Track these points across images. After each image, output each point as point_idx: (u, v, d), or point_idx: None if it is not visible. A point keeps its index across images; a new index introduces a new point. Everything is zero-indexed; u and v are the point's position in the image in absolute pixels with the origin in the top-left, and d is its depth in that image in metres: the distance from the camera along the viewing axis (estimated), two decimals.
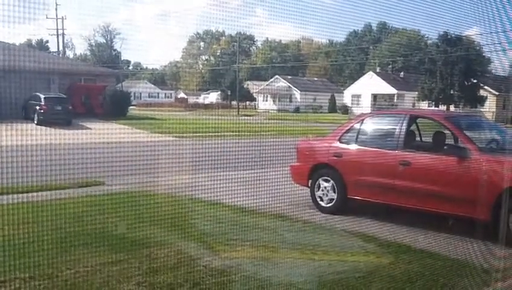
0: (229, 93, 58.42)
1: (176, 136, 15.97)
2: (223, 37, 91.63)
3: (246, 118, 33.22)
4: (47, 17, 43.44)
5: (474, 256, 6.31)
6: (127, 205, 7.95)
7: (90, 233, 6.50)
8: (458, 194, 7.14)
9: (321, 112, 49.82)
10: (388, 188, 7.91)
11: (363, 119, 9.30)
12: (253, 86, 64.27)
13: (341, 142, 8.91)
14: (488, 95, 41.98)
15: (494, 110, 39.49)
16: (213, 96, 72.11)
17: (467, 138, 7.59)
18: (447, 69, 40.59)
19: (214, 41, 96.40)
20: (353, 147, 8.76)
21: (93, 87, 33.23)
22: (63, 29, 49.82)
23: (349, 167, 8.60)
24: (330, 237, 7.24)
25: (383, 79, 54.25)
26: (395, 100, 51.40)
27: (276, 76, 65.17)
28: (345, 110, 51.35)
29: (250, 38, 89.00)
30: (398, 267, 5.79)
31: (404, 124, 8.22)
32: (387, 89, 52.19)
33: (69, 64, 41.03)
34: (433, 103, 42.38)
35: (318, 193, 8.91)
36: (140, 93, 68.15)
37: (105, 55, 73.94)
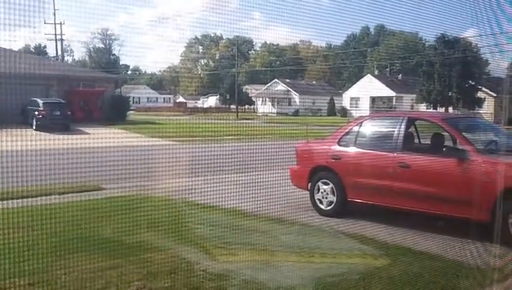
0: (228, 97, 58.47)
1: (175, 140, 15.96)
2: (222, 41, 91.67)
3: (245, 121, 33.25)
4: (45, 22, 43.48)
5: (473, 257, 6.32)
6: (127, 209, 7.94)
7: (89, 238, 6.49)
8: (457, 195, 7.14)
9: (320, 115, 49.89)
10: (387, 190, 7.91)
11: (361, 122, 9.31)
12: (252, 90, 64.34)
13: (340, 144, 8.91)
14: (486, 96, 42.03)
15: (492, 111, 39.56)
16: (212, 100, 72.16)
17: (465, 140, 7.59)
18: (444, 71, 40.66)
19: (213, 45, 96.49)
20: (352, 149, 8.77)
21: (92, 92, 33.23)
22: (61, 34, 49.99)
23: (348, 170, 8.60)
24: (330, 240, 7.23)
25: (382, 82, 54.32)
26: (394, 103, 51.45)
27: (275, 79, 65.24)
28: (344, 113, 51.40)
29: (249, 42, 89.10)
30: (398, 269, 5.79)
31: (402, 126, 8.23)
32: (386, 91, 52.25)
33: (68, 69, 41.06)
34: (432, 105, 42.41)
35: (317, 196, 8.90)
36: (139, 98, 68.19)
37: (104, 60, 73.94)
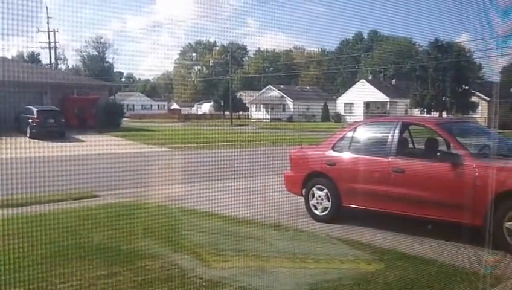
0: (222, 103, 58.41)
1: (169, 147, 15.94)
2: (216, 48, 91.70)
3: (238, 128, 33.25)
4: (39, 30, 43.38)
5: (468, 261, 6.33)
6: (122, 216, 7.92)
7: (84, 245, 6.47)
8: (451, 200, 7.17)
9: (314, 121, 49.90)
10: (382, 195, 7.93)
11: (356, 127, 9.34)
12: (246, 96, 64.32)
13: (334, 150, 8.93)
14: (480, 101, 42.19)
15: (486, 116, 39.71)
16: (206, 107, 72.05)
17: (460, 144, 7.63)
18: (438, 76, 40.80)
19: (207, 51, 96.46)
20: (346, 155, 8.79)
21: (86, 100, 33.14)
22: (55, 42, 49.73)
23: (343, 175, 8.61)
24: (325, 246, 7.24)
25: (375, 87, 54.40)
26: (388, 108, 51.54)
27: (269, 86, 65.24)
28: (338, 118, 51.43)
29: (243, 49, 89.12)
30: (393, 274, 5.79)
31: (396, 131, 8.26)
32: (380, 96, 52.33)
33: (62, 76, 40.98)
34: (425, 109, 42.53)
35: (312, 202, 8.91)
36: (133, 105, 68.08)
37: (98, 67, 73.80)
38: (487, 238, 6.45)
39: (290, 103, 60.72)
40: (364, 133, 9.18)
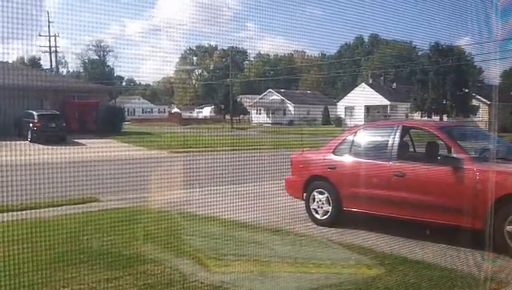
0: (223, 107, 58.45)
1: (170, 151, 15.96)
2: (216, 52, 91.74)
3: (239, 132, 33.25)
4: (40, 35, 43.40)
5: (470, 266, 6.32)
6: (123, 221, 7.92)
7: (85, 250, 6.47)
8: (452, 204, 7.15)
9: (315, 124, 49.89)
10: (383, 199, 7.92)
11: (356, 131, 9.33)
12: (246, 100, 64.31)
13: (335, 154, 8.92)
14: (481, 104, 42.18)
15: (487, 119, 39.68)
16: (207, 111, 72.14)
17: (460, 148, 7.62)
18: (438, 79, 40.79)
19: (207, 55, 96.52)
20: (347, 159, 8.78)
21: (87, 104, 33.14)
22: (55, 46, 49.68)
23: (344, 179, 8.60)
24: (326, 250, 7.23)
25: (376, 90, 54.35)
26: (388, 111, 51.51)
27: (269, 89, 65.25)
28: (339, 122, 51.38)
29: (243, 53, 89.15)
30: (395, 279, 5.78)
31: (397, 135, 8.25)
32: (380, 100, 52.29)
33: (62, 81, 40.99)
34: (426, 113, 42.51)
35: (313, 206, 8.90)
36: (134, 109, 68.10)
37: (98, 71, 73.92)
38: (488, 242, 6.44)
39: (290, 106, 60.72)
40: (365, 137, 9.17)
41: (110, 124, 30.51)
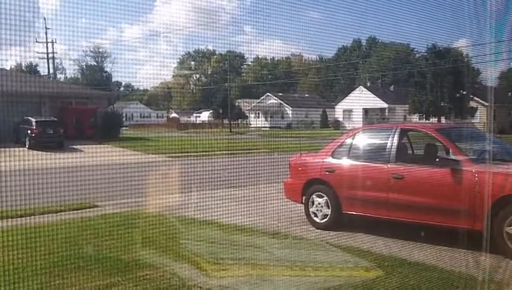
0: (221, 111, 58.46)
1: (168, 156, 15.97)
2: (214, 56, 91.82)
3: (238, 136, 33.26)
4: (37, 41, 43.42)
5: (468, 267, 6.31)
6: (122, 226, 7.91)
7: (84, 256, 6.45)
8: (451, 205, 7.15)
9: (313, 128, 49.93)
10: (381, 201, 7.92)
11: (355, 134, 9.34)
12: (244, 104, 64.36)
13: (334, 157, 8.92)
14: (478, 106, 42.23)
15: (485, 121, 39.73)
16: (205, 115, 72.10)
17: (458, 150, 7.63)
18: (436, 81, 40.83)
19: (205, 60, 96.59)
20: (346, 161, 8.78)
21: (85, 110, 33.17)
22: (53, 52, 49.85)
23: (343, 182, 8.60)
24: (325, 253, 7.21)
25: (374, 93, 54.49)
26: (387, 114, 51.59)
27: (267, 93, 65.32)
28: (337, 125, 51.44)
29: (241, 57, 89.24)
30: (394, 281, 5.77)
31: (395, 138, 8.25)
32: (378, 103, 52.39)
33: (60, 87, 40.99)
34: (424, 115, 42.54)
35: (312, 209, 8.89)
36: (132, 114, 68.05)
37: (96, 77, 73.88)
38: (488, 243, 6.44)
39: (288, 110, 60.79)
40: (363, 140, 9.17)
41: (108, 130, 30.50)
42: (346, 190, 8.50)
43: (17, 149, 19.16)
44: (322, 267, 6.36)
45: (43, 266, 5.80)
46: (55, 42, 48.07)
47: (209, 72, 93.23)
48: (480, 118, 41.18)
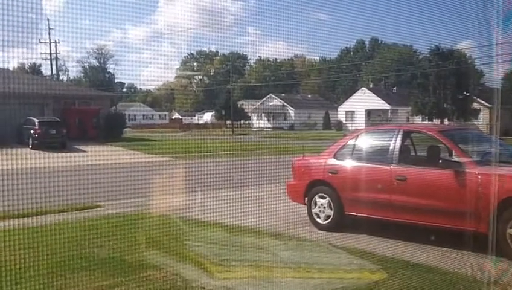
0: (223, 112, 58.49)
1: (171, 157, 15.97)
2: (217, 57, 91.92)
3: (240, 137, 33.27)
4: (40, 42, 43.49)
5: (472, 269, 6.30)
6: (125, 227, 7.92)
7: (88, 256, 6.46)
8: (454, 207, 7.14)
9: (316, 129, 49.89)
10: (384, 203, 7.91)
11: (357, 135, 9.34)
12: (247, 105, 64.38)
13: (336, 158, 8.91)
14: (482, 107, 42.15)
15: (488, 122, 39.67)
16: (207, 116, 72.13)
17: (462, 151, 7.61)
18: (439, 83, 40.77)
19: (208, 61, 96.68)
20: (348, 163, 8.77)
21: (88, 110, 33.24)
22: (56, 53, 49.86)
23: (345, 183, 8.59)
24: (328, 255, 7.21)
25: (377, 95, 54.44)
26: (389, 115, 51.55)
27: (270, 94, 65.34)
28: (339, 126, 51.41)
29: (244, 58, 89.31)
30: (397, 283, 5.77)
31: (398, 139, 8.25)
32: (381, 104, 52.35)
33: (63, 87, 41.06)
34: (427, 117, 42.48)
35: (315, 210, 8.88)
36: (135, 115, 68.15)
37: (99, 78, 73.96)
38: (491, 245, 6.42)
39: (291, 111, 60.80)
40: (366, 141, 9.16)
41: (110, 131, 30.56)
42: (348, 191, 8.50)
43: (20, 149, 19.18)
44: (324, 269, 6.35)
45: (44, 266, 5.81)
46: (59, 43, 48.16)
47: (211, 73, 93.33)
48: (483, 119, 41.10)
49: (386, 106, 52.40)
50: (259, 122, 60.62)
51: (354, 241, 7.61)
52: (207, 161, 13.26)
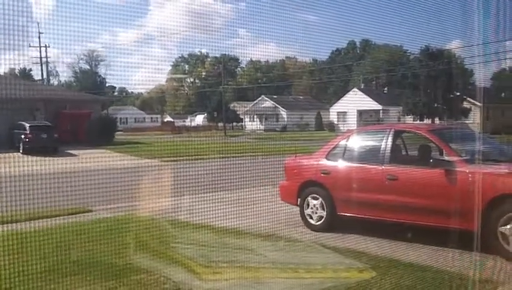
0: (216, 115, 58.49)
1: (162, 160, 15.92)
2: (208, 59, 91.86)
3: (232, 138, 33.26)
4: (30, 46, 43.31)
5: (463, 267, 6.32)
6: (116, 231, 7.88)
7: (79, 261, 6.42)
8: (445, 206, 7.15)
9: (308, 130, 49.97)
10: (376, 203, 7.92)
11: (349, 136, 9.35)
12: (239, 107, 64.40)
13: (328, 159, 8.92)
14: (472, 106, 42.36)
15: (478, 121, 39.88)
16: (199, 119, 72.12)
17: (452, 150, 7.64)
18: (430, 82, 40.96)
19: (199, 63, 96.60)
20: (340, 163, 8.78)
21: (79, 114, 33.08)
22: (46, 57, 49.80)
23: (337, 184, 8.59)
24: (321, 255, 7.21)
25: (368, 95, 54.55)
26: (381, 115, 51.69)
27: (262, 96, 65.39)
28: (332, 127, 51.49)
29: (235, 60, 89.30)
30: (389, 282, 5.78)
31: (389, 139, 8.26)
32: (372, 104, 52.47)
33: (54, 91, 40.92)
34: (418, 116, 42.67)
35: (307, 211, 8.88)
36: (127, 119, 67.96)
37: (90, 81, 73.78)
38: (481, 243, 6.45)
39: (283, 112, 60.88)
40: (358, 142, 9.18)
41: (102, 134, 30.42)
42: (341, 192, 8.50)
43: (11, 154, 19.09)
44: (317, 269, 6.36)
45: (36, 270, 5.78)
46: (49, 47, 48.02)
47: (203, 76, 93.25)
48: (474, 118, 41.31)
49: (378, 106, 52.52)
50: (252, 124, 60.69)
51: (347, 242, 7.62)
52: (199, 163, 13.23)
